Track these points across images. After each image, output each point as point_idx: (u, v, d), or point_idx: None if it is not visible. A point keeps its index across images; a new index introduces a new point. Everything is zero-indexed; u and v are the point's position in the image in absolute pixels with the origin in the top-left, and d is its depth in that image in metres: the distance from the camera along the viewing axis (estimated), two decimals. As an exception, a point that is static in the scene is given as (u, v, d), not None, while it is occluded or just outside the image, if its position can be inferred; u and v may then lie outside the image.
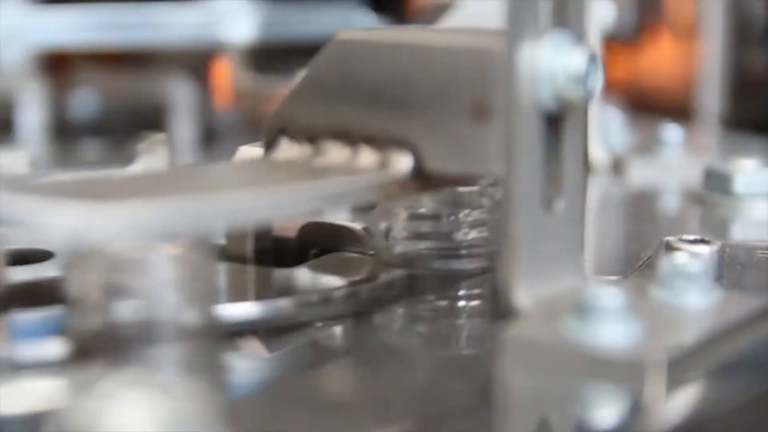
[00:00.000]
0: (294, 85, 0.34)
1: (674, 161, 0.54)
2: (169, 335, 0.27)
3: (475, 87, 0.30)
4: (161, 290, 0.27)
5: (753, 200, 0.46)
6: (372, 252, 0.36)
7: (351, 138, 0.32)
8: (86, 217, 0.26)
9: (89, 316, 0.28)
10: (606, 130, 0.58)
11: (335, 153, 0.33)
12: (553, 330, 0.28)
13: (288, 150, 0.34)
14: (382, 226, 0.37)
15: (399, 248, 0.37)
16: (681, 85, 0.78)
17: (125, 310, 0.27)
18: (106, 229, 0.26)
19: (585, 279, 0.31)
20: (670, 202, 0.51)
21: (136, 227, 0.27)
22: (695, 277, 0.30)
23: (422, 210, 0.37)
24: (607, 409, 0.27)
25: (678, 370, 0.27)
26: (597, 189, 0.54)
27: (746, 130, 0.71)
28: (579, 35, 0.30)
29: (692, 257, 0.31)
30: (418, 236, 0.37)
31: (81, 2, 0.68)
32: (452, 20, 0.52)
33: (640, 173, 0.53)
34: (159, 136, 0.37)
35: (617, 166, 0.54)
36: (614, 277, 0.36)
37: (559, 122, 0.30)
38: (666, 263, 0.31)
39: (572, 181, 0.31)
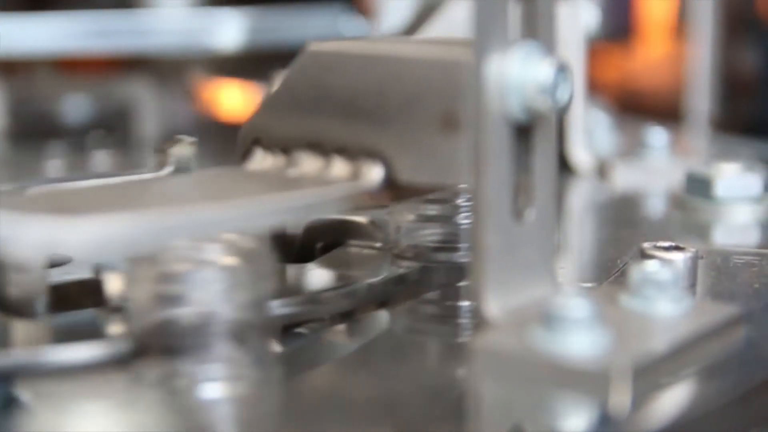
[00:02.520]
0: (268, 96, 0.34)
1: (659, 165, 0.54)
2: (223, 331, 0.28)
3: (444, 98, 0.30)
4: (213, 286, 0.28)
5: (734, 204, 0.46)
6: (380, 245, 0.37)
7: (324, 149, 0.33)
8: (57, 231, 0.27)
9: (143, 318, 0.28)
10: (592, 133, 0.58)
11: (308, 163, 0.33)
12: (521, 340, 0.28)
13: (262, 160, 0.34)
14: (390, 219, 0.37)
15: (406, 241, 0.37)
16: (671, 88, 0.78)
17: (179, 314, 0.28)
18: (76, 242, 0.27)
19: (557, 288, 0.32)
20: (653, 207, 0.51)
21: (106, 240, 0.27)
22: (665, 285, 0.30)
23: (428, 211, 0.37)
24: (575, 418, 0.27)
25: (644, 378, 0.27)
26: (581, 193, 0.54)
27: (736, 131, 0.71)
28: (548, 46, 0.31)
29: (663, 265, 0.31)
30: (425, 227, 0.37)
31: (69, 9, 0.68)
32: (435, 26, 0.52)
33: (625, 177, 0.54)
34: (187, 139, 0.36)
35: (602, 170, 0.55)
36: (589, 285, 0.36)
37: (529, 132, 0.31)
38: (636, 271, 0.31)
39: (543, 191, 0.31)
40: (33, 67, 0.74)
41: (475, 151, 0.29)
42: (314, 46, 0.33)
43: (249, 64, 0.69)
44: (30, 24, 0.66)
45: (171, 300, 0.28)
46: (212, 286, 0.27)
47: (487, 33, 0.29)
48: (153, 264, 0.28)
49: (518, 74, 0.29)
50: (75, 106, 0.73)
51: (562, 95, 0.30)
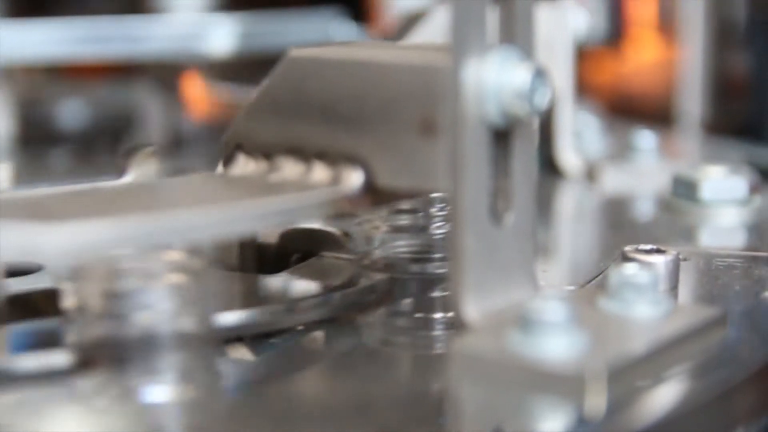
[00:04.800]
0: (249, 102, 0.35)
1: (647, 168, 0.54)
2: (168, 343, 0.28)
3: (422, 103, 0.31)
4: (161, 298, 0.28)
5: (719, 207, 0.46)
6: (352, 255, 0.37)
7: (305, 154, 0.33)
8: (35, 237, 0.27)
9: (89, 327, 0.28)
10: (581, 136, 0.58)
11: (289, 169, 0.33)
12: (499, 343, 0.28)
13: (244, 166, 0.34)
14: (362, 230, 0.37)
15: (379, 252, 0.37)
16: (663, 90, 0.78)
17: (124, 320, 0.28)
18: (54, 248, 0.27)
19: (537, 291, 0.32)
20: (641, 209, 0.51)
21: (83, 246, 0.27)
22: (643, 288, 0.31)
23: (401, 222, 0.37)
24: (554, 421, 0.27)
25: (620, 380, 0.28)
26: (570, 196, 0.54)
27: (728, 134, 0.72)
28: (526, 51, 0.31)
29: (641, 268, 0.31)
30: (398, 238, 0.37)
31: (61, 16, 0.68)
32: (423, 30, 0.52)
33: (613, 180, 0.54)
34: (151, 149, 0.37)
35: (591, 173, 0.55)
36: (571, 288, 0.36)
37: (507, 137, 0.31)
38: (615, 274, 0.31)
39: (522, 195, 0.31)
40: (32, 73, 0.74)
41: (453, 155, 0.30)
42: (294, 52, 0.34)
43: (242, 69, 0.69)
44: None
45: (118, 315, 0.28)
46: (159, 304, 0.28)
47: (464, 38, 0.29)
48: (101, 278, 0.28)
49: (495, 79, 0.29)
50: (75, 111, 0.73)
51: (540, 100, 0.30)
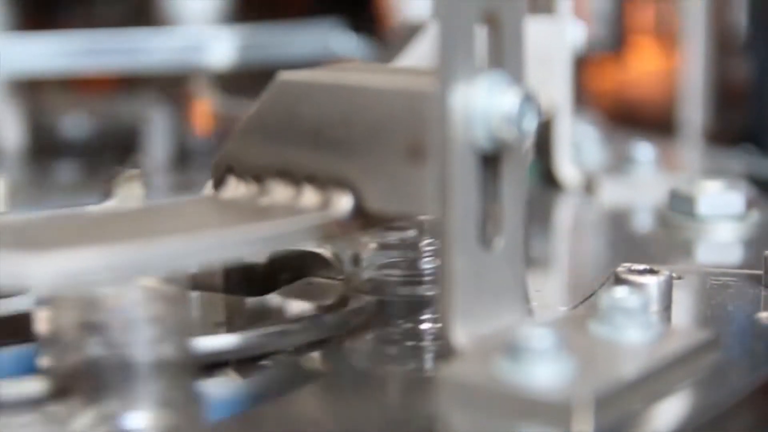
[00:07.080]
0: (240, 124, 0.35)
1: (645, 180, 0.54)
2: (146, 371, 0.28)
3: (410, 127, 0.31)
4: (136, 326, 0.28)
5: (716, 222, 0.46)
6: (341, 277, 0.37)
7: (295, 177, 0.33)
8: (23, 265, 0.27)
9: (65, 354, 0.28)
10: (580, 147, 0.58)
11: (279, 192, 0.33)
12: (486, 370, 0.28)
13: (235, 189, 0.34)
14: (350, 253, 0.37)
15: (367, 275, 0.37)
16: (665, 99, 0.78)
17: (101, 347, 0.28)
18: (42, 276, 0.27)
19: (527, 315, 0.32)
20: (638, 224, 0.51)
21: (73, 274, 0.27)
22: (634, 311, 0.30)
23: (389, 239, 0.37)
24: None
25: (609, 407, 0.27)
26: (567, 208, 0.54)
27: (729, 142, 0.71)
28: (515, 75, 0.31)
29: (632, 291, 0.31)
30: (386, 264, 0.37)
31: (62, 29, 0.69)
32: (422, 43, 0.52)
33: (612, 192, 0.53)
34: (134, 172, 0.37)
35: (589, 185, 0.55)
36: (563, 308, 0.36)
37: (496, 161, 0.31)
38: (605, 298, 0.31)
39: (511, 219, 0.31)
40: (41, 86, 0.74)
41: (441, 180, 0.30)
42: (284, 75, 0.34)
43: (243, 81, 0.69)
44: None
45: (94, 342, 0.28)
46: (135, 333, 0.28)
47: (452, 62, 0.29)
48: (76, 307, 0.28)
49: (483, 104, 0.29)
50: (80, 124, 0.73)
51: (529, 124, 0.30)
